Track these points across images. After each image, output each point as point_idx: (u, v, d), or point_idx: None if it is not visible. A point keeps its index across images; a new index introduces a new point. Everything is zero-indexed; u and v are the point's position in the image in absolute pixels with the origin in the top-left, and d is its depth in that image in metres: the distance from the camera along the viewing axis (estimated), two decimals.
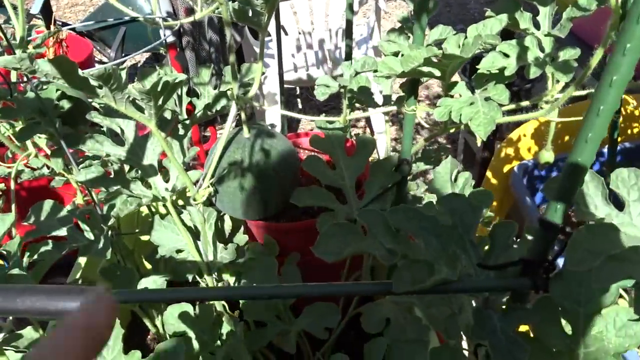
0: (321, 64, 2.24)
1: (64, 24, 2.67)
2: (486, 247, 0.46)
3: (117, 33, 2.48)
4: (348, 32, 1.01)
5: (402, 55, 0.62)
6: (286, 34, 2.52)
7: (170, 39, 1.90)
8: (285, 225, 0.88)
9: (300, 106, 2.80)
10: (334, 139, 0.80)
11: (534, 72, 0.56)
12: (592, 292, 0.37)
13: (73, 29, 2.62)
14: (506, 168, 1.18)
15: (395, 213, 0.43)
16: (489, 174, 1.19)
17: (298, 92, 2.88)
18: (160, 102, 0.67)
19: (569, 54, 0.57)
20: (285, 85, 2.35)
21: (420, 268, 0.39)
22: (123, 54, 2.58)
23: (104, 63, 3.18)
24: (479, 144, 1.87)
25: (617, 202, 0.42)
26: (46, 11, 2.34)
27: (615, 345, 0.37)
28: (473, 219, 0.45)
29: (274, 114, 2.27)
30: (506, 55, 0.57)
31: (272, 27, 2.33)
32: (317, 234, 0.86)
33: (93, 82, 0.63)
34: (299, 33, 2.50)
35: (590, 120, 0.33)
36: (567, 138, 1.15)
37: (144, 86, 0.65)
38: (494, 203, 1.22)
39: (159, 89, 0.65)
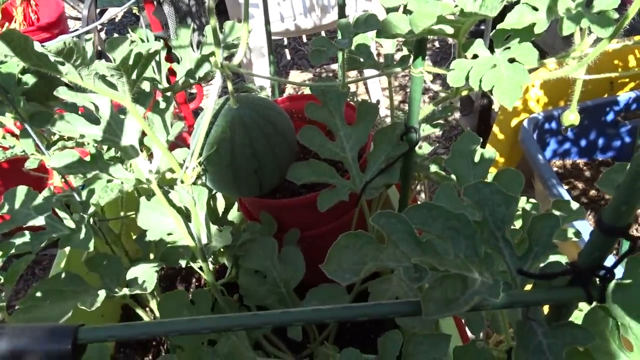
0: (309, 12, 2.11)
1: None
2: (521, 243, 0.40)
3: None
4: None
5: (408, 12, 0.53)
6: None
7: None
8: (282, 201, 0.82)
9: (288, 57, 2.67)
10: (331, 107, 0.72)
11: (567, 28, 0.47)
12: None
13: None
14: (514, 121, 1.11)
15: (417, 212, 0.37)
16: (495, 128, 1.12)
17: (286, 42, 2.74)
18: (134, 76, 0.59)
19: (606, 2, 0.49)
20: (272, 37, 2.23)
21: (453, 282, 0.33)
22: (97, 9, 2.42)
23: (78, 19, 3.01)
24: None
25: None
26: None
27: None
28: (507, 213, 0.38)
29: (262, 68, 2.16)
30: (534, 9, 0.49)
31: None
32: (316, 209, 0.80)
33: (54, 58, 0.54)
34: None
35: None
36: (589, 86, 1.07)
37: (114, 59, 0.57)
38: (501, 159, 1.15)
39: (130, 62, 0.56)
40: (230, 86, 0.72)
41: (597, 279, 0.33)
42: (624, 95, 1.03)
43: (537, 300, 0.33)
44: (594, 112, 1.05)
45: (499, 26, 0.52)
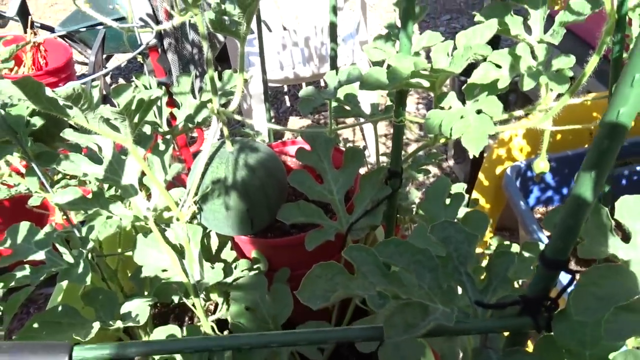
0: (307, 62, 2.20)
1: (43, 26, 2.60)
2: (483, 277, 0.44)
3: (97, 34, 2.42)
4: (332, 35, 0.98)
5: (389, 66, 0.59)
6: (270, 30, 2.47)
7: (152, 42, 1.85)
8: (273, 240, 0.85)
9: (288, 103, 2.76)
10: (320, 152, 0.77)
11: (527, 84, 0.53)
12: (599, 333, 0.34)
13: (50, 30, 2.55)
14: (499, 169, 1.16)
15: (385, 247, 0.41)
16: (481, 175, 1.16)
17: (285, 90, 2.83)
18: (136, 120, 0.64)
19: (563, 62, 0.54)
20: (271, 84, 2.32)
21: (413, 310, 0.36)
22: (104, 55, 2.52)
23: (85, 64, 3.11)
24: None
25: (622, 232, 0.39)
26: (23, 12, 2.28)
27: None
28: (469, 249, 0.42)
29: (261, 113, 2.23)
30: (498, 66, 0.54)
31: (254, 24, 2.28)
32: (304, 249, 0.84)
33: (63, 102, 0.59)
34: (284, 29, 2.46)
35: (595, 149, 0.30)
36: (559, 137, 1.13)
37: (118, 105, 0.62)
38: (487, 205, 1.19)
39: (133, 107, 0.61)
40: (226, 131, 0.77)
41: (544, 309, 0.37)
42: None
43: (487, 327, 0.37)
44: (574, 161, 1.10)
45: (468, 81, 0.57)
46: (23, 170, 0.91)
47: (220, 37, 2.25)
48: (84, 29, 2.63)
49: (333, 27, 0.97)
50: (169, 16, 1.87)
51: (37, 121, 0.86)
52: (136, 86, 0.97)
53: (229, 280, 0.81)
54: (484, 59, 0.55)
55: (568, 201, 0.32)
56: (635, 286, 0.31)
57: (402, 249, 0.40)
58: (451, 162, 2.15)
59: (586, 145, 1.16)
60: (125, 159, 0.77)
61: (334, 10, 0.95)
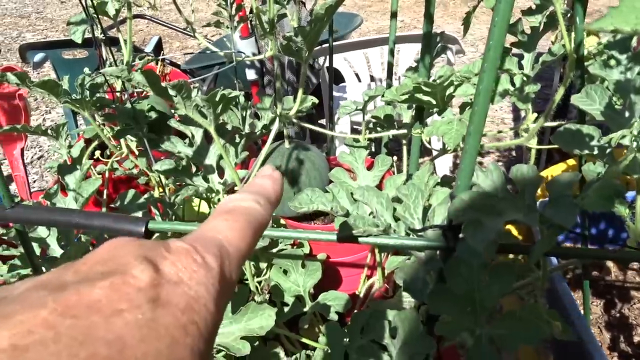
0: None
1: (172, 63, 3.07)
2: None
3: (211, 71, 2.83)
4: (389, 73, 1.19)
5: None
6: (359, 80, 2.73)
7: (254, 77, 2.18)
8: (315, 226, 1.05)
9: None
10: (356, 155, 0.96)
11: (497, 100, 0.69)
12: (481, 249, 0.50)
13: (177, 67, 3.01)
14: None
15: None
16: None
17: None
18: (218, 110, 0.88)
19: (532, 88, 0.71)
20: (354, 126, 2.55)
21: (367, 222, 0.54)
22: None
23: None
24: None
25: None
26: (157, 51, 2.74)
27: (497, 293, 0.49)
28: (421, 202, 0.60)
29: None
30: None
31: (348, 73, 2.55)
32: None
33: (171, 91, 0.84)
34: (371, 80, 2.71)
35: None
36: None
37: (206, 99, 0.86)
38: (520, 236, 1.31)
39: (217, 99, 0.85)
40: (285, 131, 0.99)
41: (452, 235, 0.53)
42: (630, 193, 1.17)
43: (414, 245, 0.54)
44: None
45: (455, 94, 0.75)
46: (137, 153, 1.19)
47: (314, 79, 2.54)
48: (202, 68, 3.08)
49: (390, 66, 1.18)
50: (272, 59, 2.19)
51: (152, 115, 1.13)
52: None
53: (274, 250, 1.01)
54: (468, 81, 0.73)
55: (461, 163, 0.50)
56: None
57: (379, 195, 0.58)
58: None
59: None
60: (209, 146, 1.01)
61: (392, 52, 1.16)
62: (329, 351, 0.78)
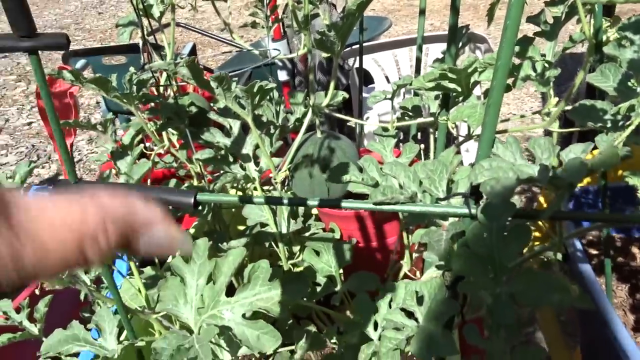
0: None
1: (205, 68, 3.18)
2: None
3: (244, 75, 2.91)
4: (417, 68, 1.23)
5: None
6: (388, 82, 2.78)
7: (285, 78, 2.25)
8: (344, 212, 1.10)
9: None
10: (385, 144, 1.01)
11: (518, 85, 0.74)
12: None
13: (210, 71, 3.11)
14: None
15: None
16: (541, 199, 1.32)
17: None
18: (255, 101, 0.94)
19: (552, 73, 0.75)
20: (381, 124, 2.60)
21: (395, 191, 0.59)
22: None
23: None
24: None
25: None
26: (192, 54, 2.86)
27: (515, 250, 0.54)
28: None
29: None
30: None
31: (377, 74, 2.59)
32: (369, 223, 1.07)
33: (212, 84, 0.91)
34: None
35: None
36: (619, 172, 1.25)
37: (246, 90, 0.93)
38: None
39: (254, 90, 0.91)
40: (317, 121, 1.05)
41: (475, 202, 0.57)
42: None
43: (440, 212, 0.58)
44: (629, 192, 1.20)
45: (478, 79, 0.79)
46: (177, 146, 1.27)
47: (344, 80, 2.60)
48: (235, 72, 3.17)
49: (418, 61, 1.23)
50: (305, 60, 2.26)
51: (193, 109, 1.21)
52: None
53: (306, 234, 1.07)
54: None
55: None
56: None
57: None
58: None
59: None
60: (246, 137, 1.08)
61: (420, 48, 1.21)
62: (360, 323, 0.83)
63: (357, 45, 1.42)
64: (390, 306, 0.78)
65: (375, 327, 0.79)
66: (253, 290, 0.72)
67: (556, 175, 0.46)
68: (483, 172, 0.50)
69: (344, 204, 0.61)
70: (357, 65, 2.57)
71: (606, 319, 0.81)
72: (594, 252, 1.22)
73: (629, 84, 0.57)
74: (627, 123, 0.52)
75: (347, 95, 1.14)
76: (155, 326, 0.91)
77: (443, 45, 2.41)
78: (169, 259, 1.02)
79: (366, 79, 2.84)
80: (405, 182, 0.63)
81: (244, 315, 0.72)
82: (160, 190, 0.65)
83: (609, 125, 0.56)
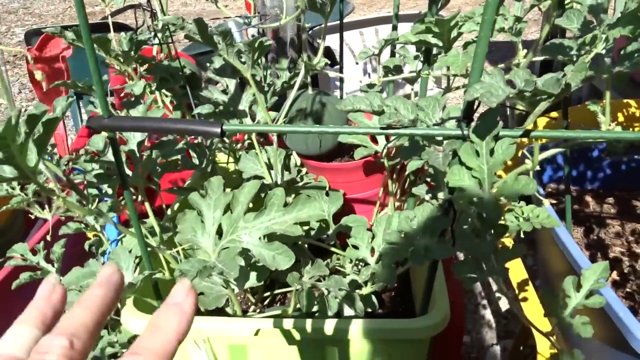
0: None
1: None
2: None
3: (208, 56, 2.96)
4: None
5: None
6: (357, 63, 2.89)
7: None
8: (334, 164, 1.20)
9: None
10: (371, 98, 1.12)
11: (494, 35, 0.85)
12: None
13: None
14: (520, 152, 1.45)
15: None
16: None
17: None
18: (255, 56, 1.02)
19: (522, 25, 0.87)
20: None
21: (399, 116, 0.70)
22: None
23: None
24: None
25: None
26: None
27: (500, 160, 0.65)
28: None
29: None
30: None
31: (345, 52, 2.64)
32: (356, 175, 1.18)
33: (216, 38, 0.99)
34: (365, 63, 2.87)
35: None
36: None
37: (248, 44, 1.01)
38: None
39: (256, 45, 1.00)
40: (309, 79, 1.14)
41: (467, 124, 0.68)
42: None
43: (437, 134, 0.69)
44: (583, 148, 1.36)
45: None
46: (171, 108, 1.33)
47: (313, 57, 2.68)
48: (202, 54, 3.21)
49: (395, 27, 1.33)
50: (275, 35, 2.33)
51: (186, 71, 1.28)
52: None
53: (300, 183, 1.16)
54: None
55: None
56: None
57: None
58: None
59: None
60: (242, 94, 1.16)
61: (397, 16, 1.32)
62: (356, 251, 0.93)
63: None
64: (384, 232, 0.88)
65: (372, 254, 0.90)
66: (269, 216, 0.81)
67: (537, 88, 0.57)
68: (477, 90, 0.61)
69: (355, 129, 0.71)
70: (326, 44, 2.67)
71: (563, 239, 0.94)
72: (554, 201, 1.37)
73: (589, 25, 0.69)
74: (589, 50, 0.64)
75: (328, 62, 1.23)
76: (171, 263, 0.98)
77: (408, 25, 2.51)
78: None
79: (332, 57, 2.94)
80: (404, 113, 0.74)
81: (261, 239, 0.81)
82: (188, 122, 0.73)
83: (574, 58, 0.68)
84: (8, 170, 0.63)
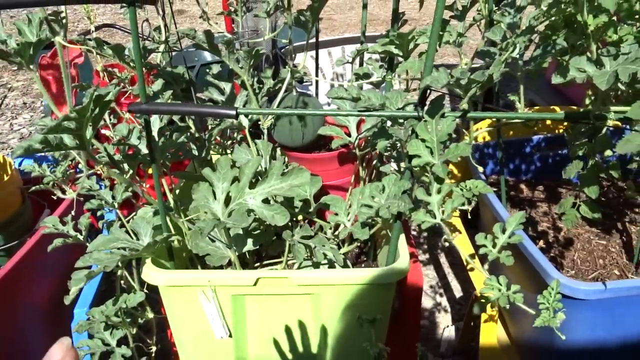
0: None
1: (151, 65, 3.39)
2: None
3: (192, 72, 3.16)
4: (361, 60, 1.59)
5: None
6: (325, 78, 3.16)
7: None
8: (313, 155, 1.43)
9: None
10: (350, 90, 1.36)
11: (442, 45, 1.11)
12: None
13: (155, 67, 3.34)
14: None
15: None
16: None
17: None
18: (252, 62, 1.25)
19: (462, 39, 1.13)
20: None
21: (371, 101, 0.93)
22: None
23: None
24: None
25: None
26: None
27: (445, 132, 0.89)
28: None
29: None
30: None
31: (313, 71, 2.88)
32: (332, 165, 1.41)
33: (220, 47, 1.21)
34: (335, 77, 3.13)
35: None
36: (511, 132, 1.67)
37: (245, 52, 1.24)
38: (459, 174, 1.74)
39: (253, 53, 1.22)
40: (294, 83, 1.37)
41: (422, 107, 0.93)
42: (536, 137, 1.62)
43: (399, 115, 0.93)
44: (518, 145, 1.63)
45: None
46: None
47: None
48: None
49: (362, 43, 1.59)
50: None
51: (186, 77, 1.49)
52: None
53: (285, 170, 1.38)
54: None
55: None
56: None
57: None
58: None
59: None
60: (236, 95, 1.38)
61: (364, 33, 1.57)
62: (336, 216, 1.16)
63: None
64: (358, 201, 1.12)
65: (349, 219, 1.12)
66: (269, 183, 1.03)
67: (469, 78, 0.82)
68: (429, 79, 0.86)
69: (338, 113, 0.94)
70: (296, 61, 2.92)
71: (492, 202, 1.20)
72: (494, 190, 1.63)
73: (507, 36, 0.95)
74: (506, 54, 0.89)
75: (306, 70, 1.47)
76: (183, 229, 1.18)
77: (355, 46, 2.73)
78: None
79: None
80: (375, 100, 0.97)
81: (263, 201, 1.02)
82: (210, 107, 0.95)
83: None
84: (68, 140, 0.83)
